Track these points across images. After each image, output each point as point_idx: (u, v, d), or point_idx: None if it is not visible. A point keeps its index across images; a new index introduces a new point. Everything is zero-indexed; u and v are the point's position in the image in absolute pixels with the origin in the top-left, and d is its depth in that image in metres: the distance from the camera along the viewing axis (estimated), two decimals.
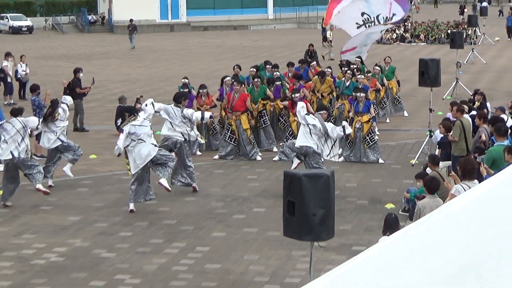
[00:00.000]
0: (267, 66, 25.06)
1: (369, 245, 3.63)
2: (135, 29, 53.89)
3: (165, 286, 12.01)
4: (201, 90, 21.15)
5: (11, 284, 12.13)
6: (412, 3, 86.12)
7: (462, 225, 3.09)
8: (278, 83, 22.42)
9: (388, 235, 9.60)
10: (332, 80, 23.46)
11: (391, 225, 10.47)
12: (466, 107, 17.65)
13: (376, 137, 20.18)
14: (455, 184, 12.36)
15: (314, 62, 26.68)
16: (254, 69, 23.84)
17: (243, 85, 21.02)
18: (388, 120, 24.95)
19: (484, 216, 3.08)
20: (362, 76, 22.93)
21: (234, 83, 20.87)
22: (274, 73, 23.51)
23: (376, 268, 3.18)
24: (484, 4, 73.13)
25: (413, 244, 3.21)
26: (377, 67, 24.59)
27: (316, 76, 23.86)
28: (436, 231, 3.17)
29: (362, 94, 20.03)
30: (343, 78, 23.10)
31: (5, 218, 15.56)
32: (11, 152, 16.03)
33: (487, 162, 13.89)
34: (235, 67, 24.37)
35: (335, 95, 23.23)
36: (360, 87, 20.99)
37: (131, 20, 53.81)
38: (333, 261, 12.54)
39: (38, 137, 20.16)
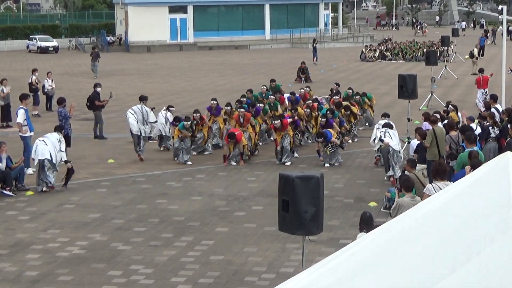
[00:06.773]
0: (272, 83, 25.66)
1: (355, 239, 3.60)
2: (98, 56, 45.71)
3: (174, 275, 11.96)
4: (194, 115, 20.91)
5: (39, 274, 12.09)
6: (418, 28, 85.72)
7: (437, 223, 3.07)
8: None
9: (365, 232, 9.53)
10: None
11: (366, 223, 10.40)
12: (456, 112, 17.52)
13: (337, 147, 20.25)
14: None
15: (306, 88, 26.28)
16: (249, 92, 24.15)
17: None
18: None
19: (455, 214, 3.06)
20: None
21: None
22: (270, 97, 23.36)
23: (364, 260, 3.16)
24: (456, 26, 72.95)
25: (396, 239, 3.19)
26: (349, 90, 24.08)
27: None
28: (414, 228, 3.15)
29: (324, 119, 20.41)
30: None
31: (33, 216, 15.51)
32: None
33: (458, 166, 13.90)
34: (247, 91, 24.45)
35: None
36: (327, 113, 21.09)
37: (93, 48, 46.76)
38: (323, 253, 12.50)
39: None
